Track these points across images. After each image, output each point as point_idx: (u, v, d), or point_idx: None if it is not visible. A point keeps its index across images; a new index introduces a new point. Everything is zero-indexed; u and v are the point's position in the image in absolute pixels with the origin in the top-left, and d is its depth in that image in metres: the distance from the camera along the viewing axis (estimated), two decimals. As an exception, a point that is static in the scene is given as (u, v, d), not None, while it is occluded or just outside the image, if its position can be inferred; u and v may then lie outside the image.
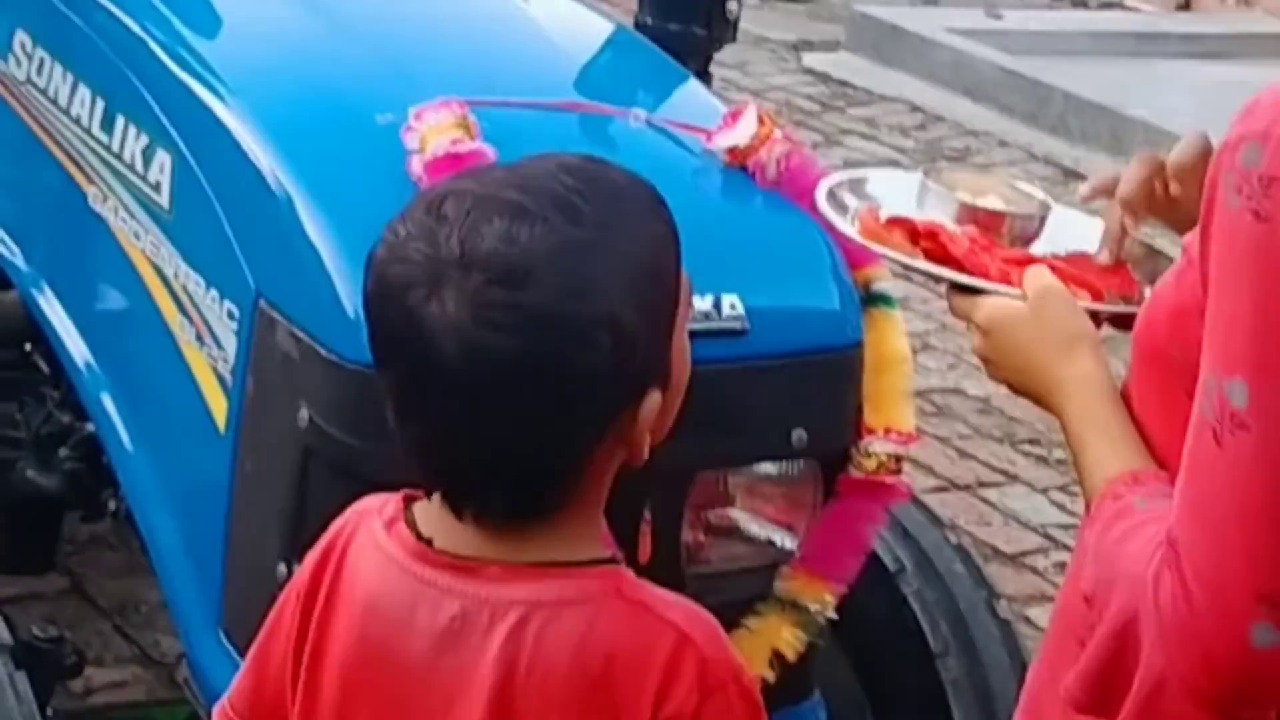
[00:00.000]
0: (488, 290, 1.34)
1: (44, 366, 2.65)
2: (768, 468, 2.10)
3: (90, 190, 2.32)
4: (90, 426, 2.51)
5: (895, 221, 1.73)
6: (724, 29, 2.77)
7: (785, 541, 2.14)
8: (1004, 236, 1.74)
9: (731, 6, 2.76)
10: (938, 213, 1.74)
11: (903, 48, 8.30)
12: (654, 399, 1.43)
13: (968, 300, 1.61)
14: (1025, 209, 1.78)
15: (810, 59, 8.43)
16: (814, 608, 2.08)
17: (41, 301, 2.44)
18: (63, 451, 2.58)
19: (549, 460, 1.41)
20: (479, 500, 1.43)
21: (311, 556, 1.56)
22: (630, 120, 2.19)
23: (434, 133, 2.00)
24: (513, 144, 2.02)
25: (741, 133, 2.16)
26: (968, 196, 1.76)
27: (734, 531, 2.13)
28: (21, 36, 2.49)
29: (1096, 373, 1.53)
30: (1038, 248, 1.74)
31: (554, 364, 1.36)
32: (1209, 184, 1.35)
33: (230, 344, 2.06)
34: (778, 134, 2.17)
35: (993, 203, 1.78)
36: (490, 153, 1.99)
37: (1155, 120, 7.58)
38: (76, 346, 2.37)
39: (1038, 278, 1.60)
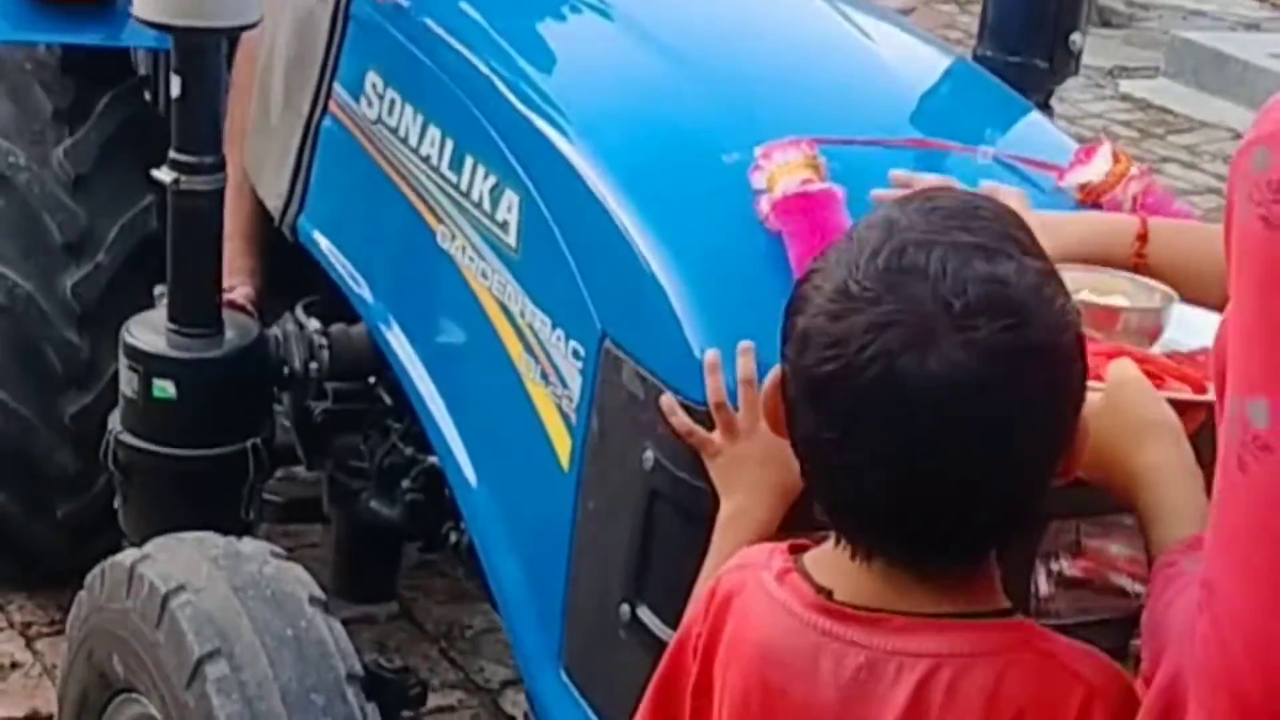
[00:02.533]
0: (995, 334, 1.33)
1: (387, 399, 2.72)
2: (1122, 518, 2.03)
3: (439, 229, 2.36)
4: (432, 459, 2.57)
5: None
6: (1066, 61, 2.72)
7: (1138, 593, 2.06)
8: (1120, 332, 1.74)
9: (1075, 38, 2.70)
10: None
11: (1225, 74, 8.05)
12: (1084, 424, 1.43)
13: None
14: (1145, 303, 1.80)
15: (1128, 85, 8.24)
16: None
17: (389, 335, 2.49)
18: (405, 483, 2.64)
19: (1025, 500, 1.41)
20: (935, 554, 1.42)
21: (704, 609, 1.57)
22: (979, 158, 2.15)
23: (783, 172, 1.98)
24: (861, 183, 2.01)
25: (1095, 170, 2.10)
26: (1091, 295, 1.76)
27: (1085, 583, 2.07)
28: (373, 78, 2.54)
29: (1174, 460, 1.50)
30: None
31: (1049, 396, 1.37)
32: (1228, 192, 1.27)
33: (575, 382, 2.07)
34: (1134, 170, 2.11)
35: (1115, 300, 1.78)
36: (840, 192, 1.97)
37: None
38: (422, 380, 2.41)
39: (1119, 369, 1.57)
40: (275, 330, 2.72)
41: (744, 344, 1.82)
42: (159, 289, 2.75)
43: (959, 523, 1.40)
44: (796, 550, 1.52)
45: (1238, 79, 7.97)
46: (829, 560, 1.47)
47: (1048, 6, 2.69)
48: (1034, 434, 1.38)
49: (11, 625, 3.56)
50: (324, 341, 2.69)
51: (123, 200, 3.29)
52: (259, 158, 2.84)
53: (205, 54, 2.52)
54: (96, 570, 2.35)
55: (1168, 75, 8.32)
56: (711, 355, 1.84)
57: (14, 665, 3.45)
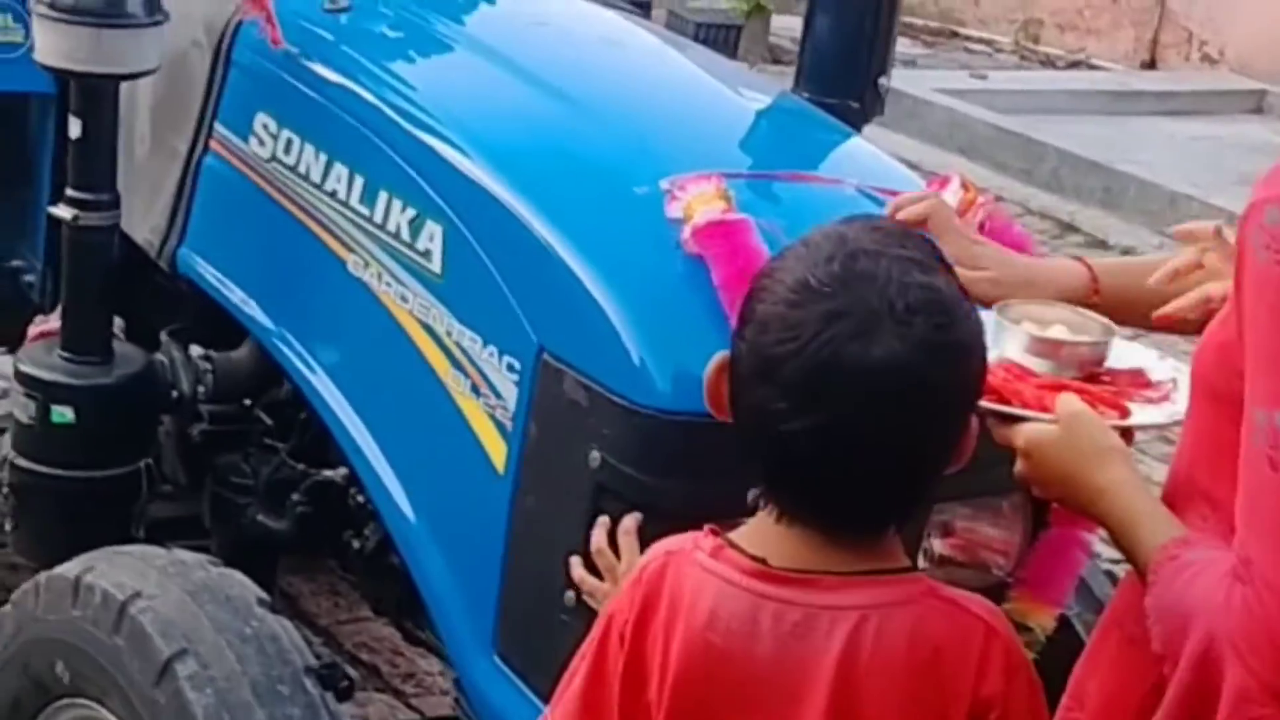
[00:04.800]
0: (928, 331, 1.61)
1: (267, 419, 2.89)
2: (994, 502, 2.36)
3: (350, 258, 2.55)
4: (324, 473, 2.76)
5: None
6: (874, 103, 3.05)
7: (1000, 567, 2.40)
8: (1063, 362, 1.95)
9: (883, 81, 3.03)
10: (1013, 348, 1.95)
11: (897, 109, 8.59)
12: (974, 422, 1.73)
13: (1007, 428, 1.83)
14: (1092, 336, 2.00)
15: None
16: (1036, 628, 2.33)
17: (293, 358, 2.67)
18: (295, 496, 2.81)
19: (933, 476, 1.69)
20: (857, 516, 1.69)
21: (629, 595, 1.79)
22: (845, 188, 2.46)
23: (700, 202, 2.25)
24: (760, 211, 2.29)
25: (950, 198, 2.41)
26: (1034, 328, 1.98)
27: (953, 560, 2.39)
28: (264, 119, 2.72)
29: (1129, 476, 1.76)
30: None
31: (961, 388, 1.66)
32: (1239, 242, 1.59)
33: (510, 393, 2.30)
34: (980, 199, 2.43)
35: (1057, 332, 1.99)
36: (752, 220, 2.24)
37: (1146, 175, 7.93)
38: (332, 397, 2.59)
39: (1067, 404, 1.82)
40: (160, 356, 2.87)
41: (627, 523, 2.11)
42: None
43: (878, 489, 1.68)
44: (716, 534, 1.77)
45: (910, 113, 8.55)
46: (756, 535, 1.74)
47: (859, 53, 3.02)
48: (946, 419, 1.67)
49: None
50: (208, 366, 2.85)
51: None
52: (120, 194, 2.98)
53: (104, 98, 2.66)
54: (28, 585, 2.48)
55: (843, 110, 8.85)
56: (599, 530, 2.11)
57: None
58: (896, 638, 1.69)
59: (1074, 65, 11.00)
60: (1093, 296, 2.11)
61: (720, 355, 1.77)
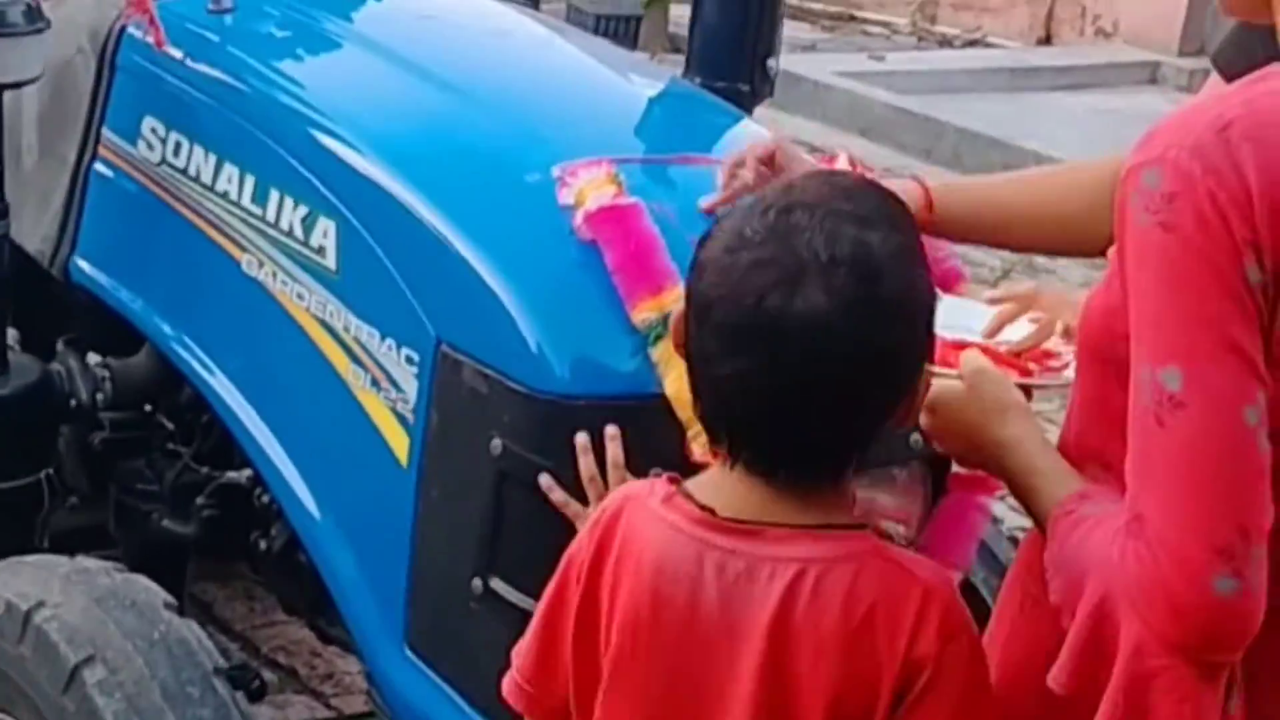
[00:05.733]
0: (852, 286, 1.62)
1: (169, 424, 2.88)
2: (891, 471, 2.38)
3: (244, 258, 2.55)
4: (229, 475, 2.75)
5: None
6: (763, 85, 3.07)
7: (900, 535, 2.42)
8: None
9: (771, 63, 3.06)
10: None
11: (797, 93, 8.68)
12: (927, 374, 1.73)
13: None
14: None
15: (711, 107, 8.76)
16: None
17: (191, 362, 2.66)
18: (200, 500, 2.80)
19: (863, 430, 1.70)
20: (790, 464, 1.70)
21: (588, 536, 1.81)
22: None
23: (591, 188, 2.26)
24: (651, 195, 2.31)
25: (838, 175, 2.45)
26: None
27: (857, 527, 2.41)
28: (152, 123, 2.71)
29: (1031, 431, 1.78)
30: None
31: (892, 346, 1.66)
32: (1119, 205, 1.61)
33: (410, 386, 2.30)
34: (869, 177, 2.46)
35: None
36: (642, 204, 2.26)
37: (1045, 150, 8.01)
38: (232, 398, 2.59)
39: (971, 360, 1.86)
40: (57, 366, 2.85)
41: (611, 430, 2.10)
42: None
43: (805, 437, 1.68)
44: (674, 481, 1.79)
45: (810, 97, 8.61)
46: (708, 485, 1.76)
47: (746, 36, 3.04)
48: (872, 375, 1.66)
49: None
50: (106, 374, 2.84)
51: None
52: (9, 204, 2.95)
53: (-10, 106, 2.64)
54: (-70, 601, 2.45)
55: (746, 96, 8.90)
56: (581, 438, 2.10)
57: None
58: (832, 593, 1.69)
59: (971, 44, 11.11)
60: (925, 213, 2.12)
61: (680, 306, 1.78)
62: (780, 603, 1.69)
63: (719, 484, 1.75)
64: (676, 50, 10.10)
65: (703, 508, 1.74)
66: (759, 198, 1.72)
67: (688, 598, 1.72)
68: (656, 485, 1.80)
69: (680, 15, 10.45)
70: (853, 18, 11.70)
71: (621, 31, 9.81)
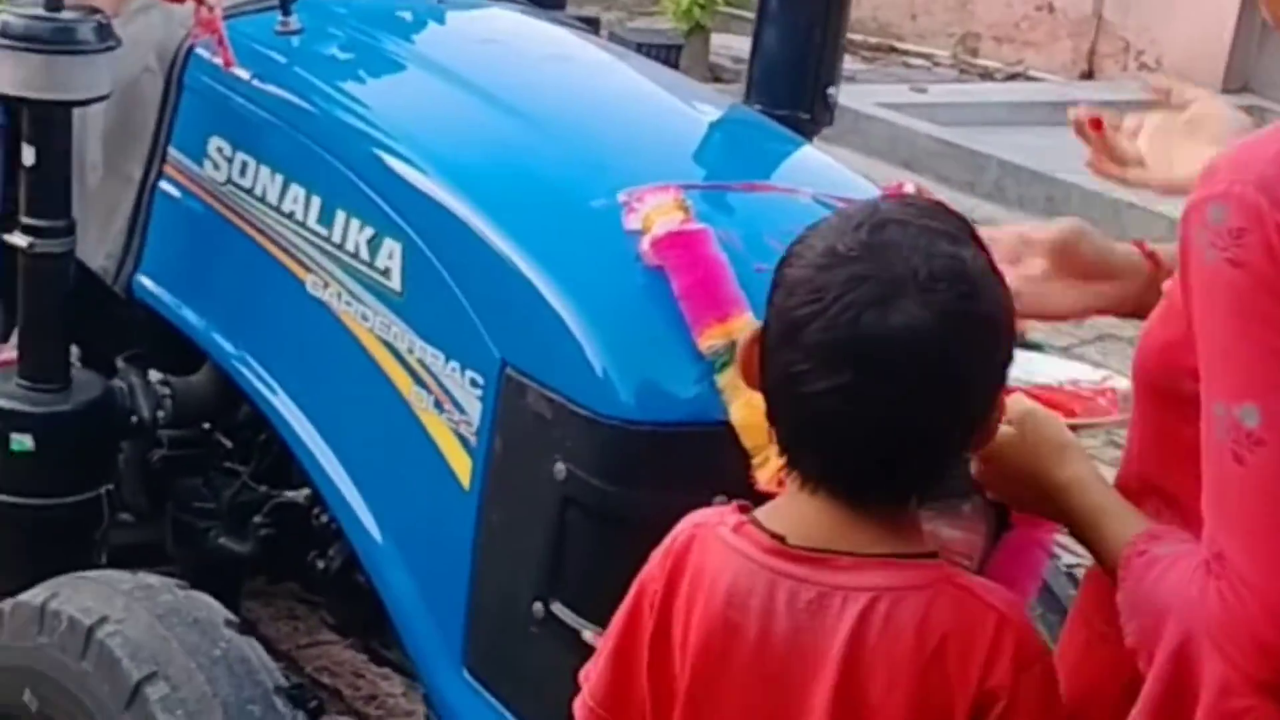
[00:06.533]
0: (952, 301, 1.62)
1: (227, 443, 2.89)
2: (958, 504, 2.38)
3: (308, 278, 2.56)
4: (286, 494, 2.77)
5: None
6: (824, 113, 3.08)
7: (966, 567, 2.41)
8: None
9: (831, 91, 3.06)
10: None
11: (839, 123, 8.64)
12: (1003, 398, 1.73)
13: None
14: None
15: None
16: None
17: (253, 380, 2.67)
18: (257, 519, 2.81)
19: (950, 451, 1.70)
20: (877, 487, 1.69)
21: (660, 565, 1.81)
22: (801, 197, 2.48)
23: (658, 213, 2.26)
24: (718, 222, 2.31)
25: (904, 205, 2.45)
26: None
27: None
28: (218, 142, 2.73)
29: (1090, 470, 1.77)
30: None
31: (983, 364, 1.66)
32: (1181, 242, 1.59)
33: (474, 408, 2.31)
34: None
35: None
36: (710, 230, 2.26)
37: (1088, 184, 8.00)
38: (294, 417, 2.60)
39: (1018, 403, 1.82)
40: (119, 383, 2.87)
41: None
42: None
43: (895, 458, 1.67)
44: (743, 509, 1.79)
45: (851, 127, 8.61)
46: (779, 512, 1.75)
47: (807, 65, 3.05)
48: (963, 393, 1.66)
49: None
50: (167, 391, 2.85)
51: None
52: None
53: (57, 124, 2.66)
54: (-9, 614, 2.47)
55: (787, 126, 8.92)
56: None
57: None
58: (905, 622, 1.69)
59: (1012, 78, 11.09)
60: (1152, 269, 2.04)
61: (754, 326, 1.78)
62: (853, 631, 1.69)
63: (789, 512, 1.75)
64: (717, 79, 10.13)
65: (773, 536, 1.74)
66: (846, 215, 1.71)
67: (759, 626, 1.72)
68: (726, 514, 1.80)
69: (721, 45, 10.49)
70: (893, 49, 11.70)
71: (662, 59, 9.74)
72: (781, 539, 1.73)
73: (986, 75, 11.19)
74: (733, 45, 10.31)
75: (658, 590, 1.80)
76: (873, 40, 11.68)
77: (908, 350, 1.62)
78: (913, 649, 1.68)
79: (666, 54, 10.17)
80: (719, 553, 1.76)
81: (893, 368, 1.62)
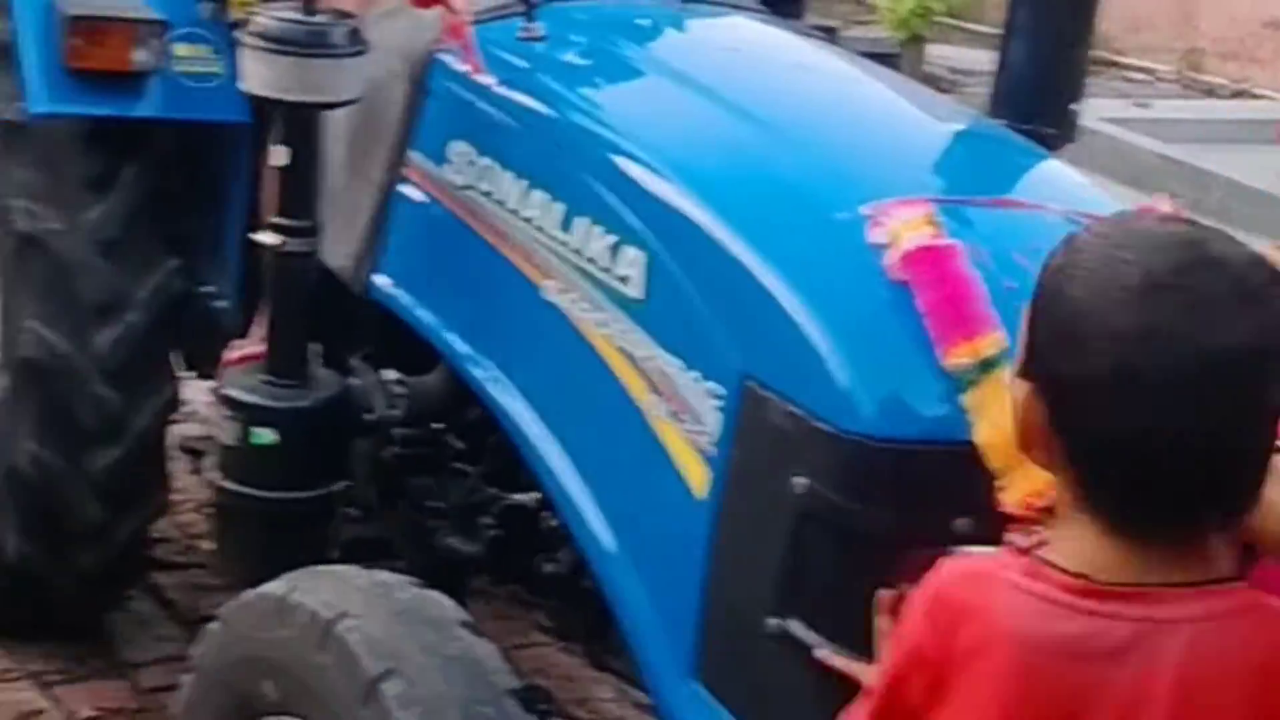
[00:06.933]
0: (1275, 317, 1.57)
1: (459, 443, 2.92)
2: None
3: (546, 283, 2.57)
4: (515, 497, 2.78)
5: None
6: (1068, 128, 3.02)
7: None
8: None
9: (1074, 107, 3.01)
10: None
11: (1058, 137, 8.54)
12: None
13: None
14: None
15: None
16: None
17: (486, 382, 2.69)
18: (486, 520, 2.83)
19: (1262, 472, 1.64)
20: (1208, 506, 1.63)
21: (925, 621, 1.73)
22: (1050, 214, 2.43)
23: (907, 228, 2.24)
24: (968, 238, 2.27)
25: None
26: None
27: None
28: (461, 147, 2.76)
29: None
30: None
31: None
32: None
33: (712, 419, 2.30)
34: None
35: None
36: (961, 245, 2.23)
37: (1316, 206, 7.80)
38: (526, 420, 2.62)
39: None
40: (355, 381, 2.91)
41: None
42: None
43: (1218, 483, 1.62)
44: (1024, 552, 1.73)
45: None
46: (1069, 550, 1.68)
47: (1053, 79, 3.00)
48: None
49: (29, 674, 3.66)
50: (402, 390, 2.89)
51: (151, 264, 3.42)
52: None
53: (309, 126, 2.71)
54: (235, 604, 2.50)
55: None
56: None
57: (37, 712, 3.56)
58: (1230, 649, 1.64)
59: (1237, 95, 10.85)
60: None
61: (1019, 390, 1.69)
62: (1179, 666, 1.63)
63: (1081, 549, 1.68)
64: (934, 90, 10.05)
65: (1075, 575, 1.67)
66: (1120, 251, 1.62)
67: (1074, 671, 1.65)
68: (1006, 559, 1.74)
69: (939, 55, 10.40)
70: (1114, 63, 11.50)
71: (878, 69, 9.75)
72: (1085, 577, 1.67)
73: (1210, 91, 10.97)
74: (950, 56, 10.21)
75: (931, 650, 1.71)
76: (1094, 54, 11.47)
77: (1242, 371, 1.57)
78: (1242, 675, 1.64)
79: (883, 63, 10.12)
80: (1011, 599, 1.68)
81: (1230, 390, 1.58)
